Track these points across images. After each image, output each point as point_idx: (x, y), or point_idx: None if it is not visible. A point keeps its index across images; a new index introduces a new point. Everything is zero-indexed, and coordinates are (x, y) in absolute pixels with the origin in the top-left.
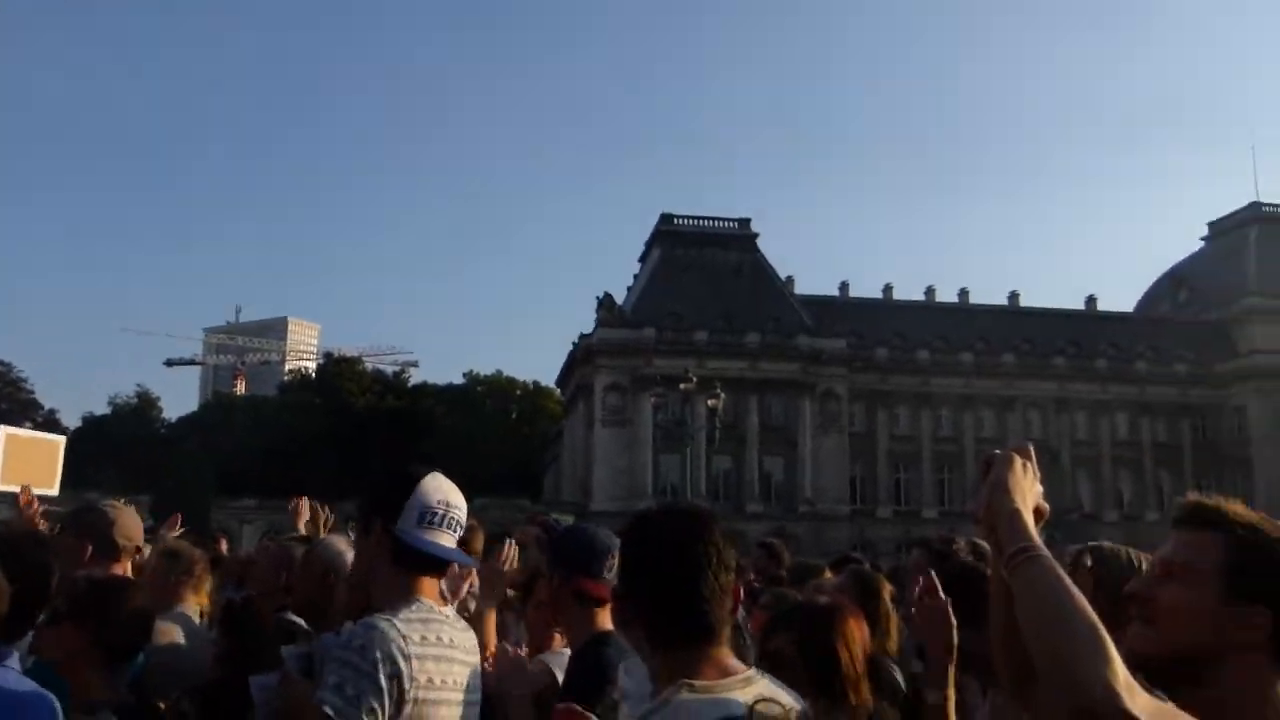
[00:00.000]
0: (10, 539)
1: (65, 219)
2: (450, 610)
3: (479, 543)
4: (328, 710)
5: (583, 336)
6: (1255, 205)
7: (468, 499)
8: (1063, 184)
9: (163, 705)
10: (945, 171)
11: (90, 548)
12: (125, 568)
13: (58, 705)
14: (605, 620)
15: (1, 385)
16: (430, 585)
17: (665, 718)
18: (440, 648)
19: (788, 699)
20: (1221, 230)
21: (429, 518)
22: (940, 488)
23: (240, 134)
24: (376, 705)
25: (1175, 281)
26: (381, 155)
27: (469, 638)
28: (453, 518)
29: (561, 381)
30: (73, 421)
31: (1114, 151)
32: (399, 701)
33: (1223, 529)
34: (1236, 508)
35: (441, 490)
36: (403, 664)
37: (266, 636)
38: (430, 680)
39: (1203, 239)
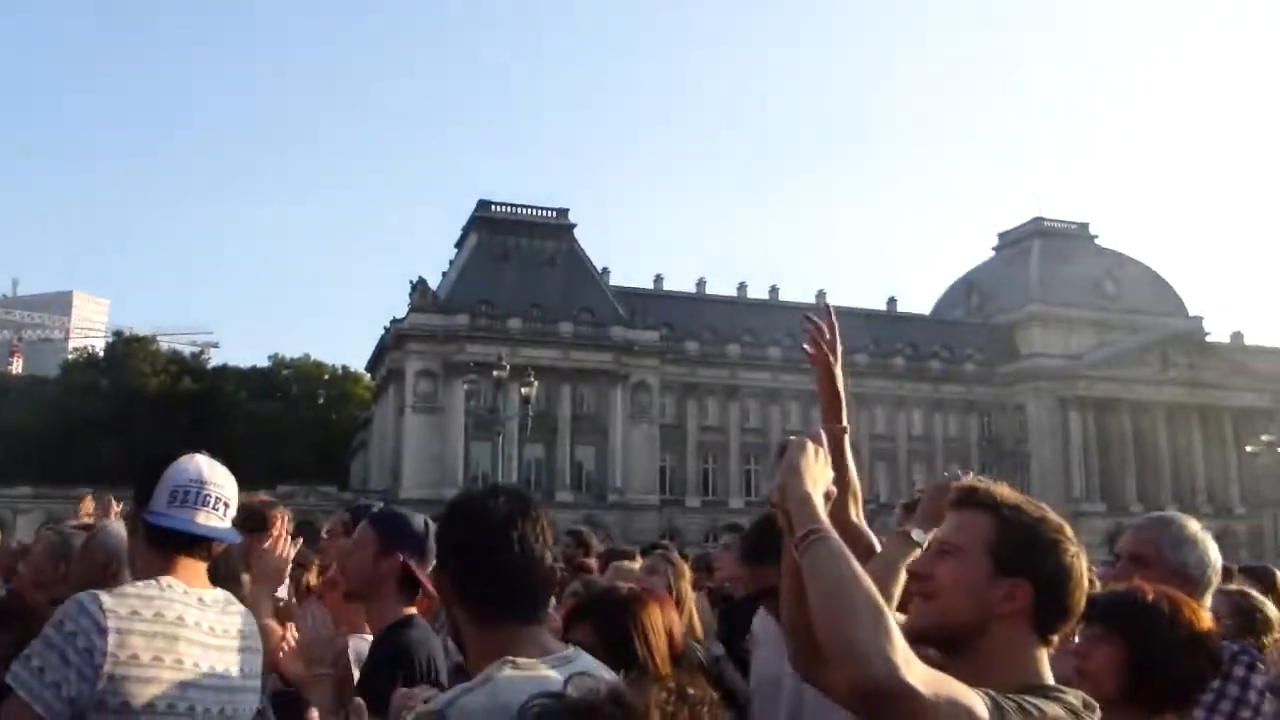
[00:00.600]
0: None
1: None
2: (211, 592)
3: (277, 522)
4: (9, 682)
5: (394, 321)
6: (1038, 220)
7: (271, 486)
8: (870, 191)
9: None
10: (758, 172)
11: None
12: None
13: None
14: (412, 604)
15: None
16: (187, 565)
17: (487, 694)
18: (162, 624)
19: (605, 675)
20: (1009, 241)
21: (180, 496)
22: (747, 478)
23: (14, 88)
24: (59, 678)
25: (968, 287)
26: (179, 117)
27: (231, 621)
28: (210, 495)
29: (371, 367)
30: None
31: (916, 163)
32: (92, 677)
33: (991, 510)
34: (1004, 490)
35: (196, 469)
36: (96, 637)
37: (39, 629)
38: (136, 656)
39: (993, 249)
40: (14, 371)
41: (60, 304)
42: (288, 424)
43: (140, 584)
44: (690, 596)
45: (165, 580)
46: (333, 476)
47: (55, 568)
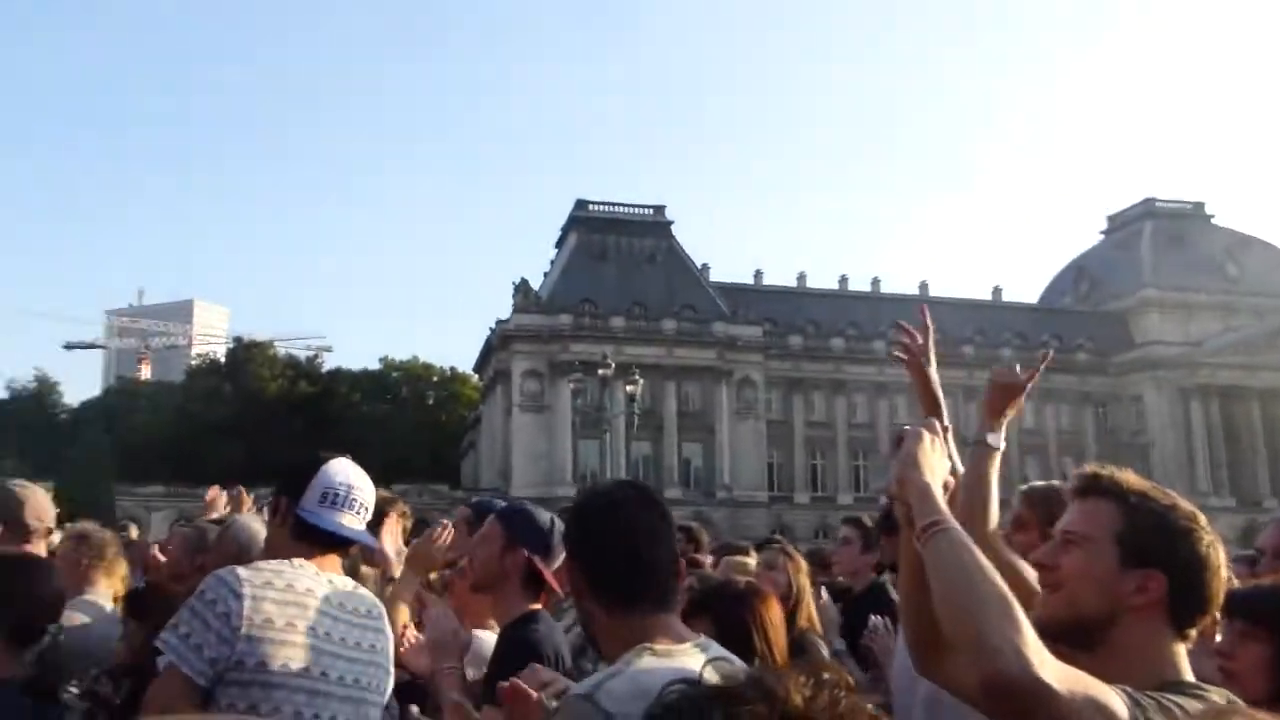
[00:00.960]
0: None
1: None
2: (341, 578)
3: (397, 525)
4: (158, 645)
5: (499, 322)
6: (1149, 201)
7: (385, 485)
8: (972, 177)
9: (75, 686)
10: (857, 163)
11: (1, 528)
12: (38, 549)
13: None
14: (539, 599)
15: None
16: (325, 561)
17: (629, 678)
18: (294, 594)
19: (740, 663)
20: (1119, 224)
21: (330, 498)
22: (855, 474)
23: (144, 110)
24: (201, 641)
25: (1076, 273)
26: (293, 135)
27: (359, 602)
28: (355, 500)
29: (478, 367)
30: None
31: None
32: (230, 639)
33: (1117, 497)
34: (1129, 477)
35: (345, 473)
36: (233, 602)
37: None
38: (270, 621)
39: (1102, 232)
40: (143, 378)
41: (183, 312)
42: (399, 425)
43: (274, 561)
44: (808, 591)
45: (297, 561)
46: (444, 476)
47: (192, 560)
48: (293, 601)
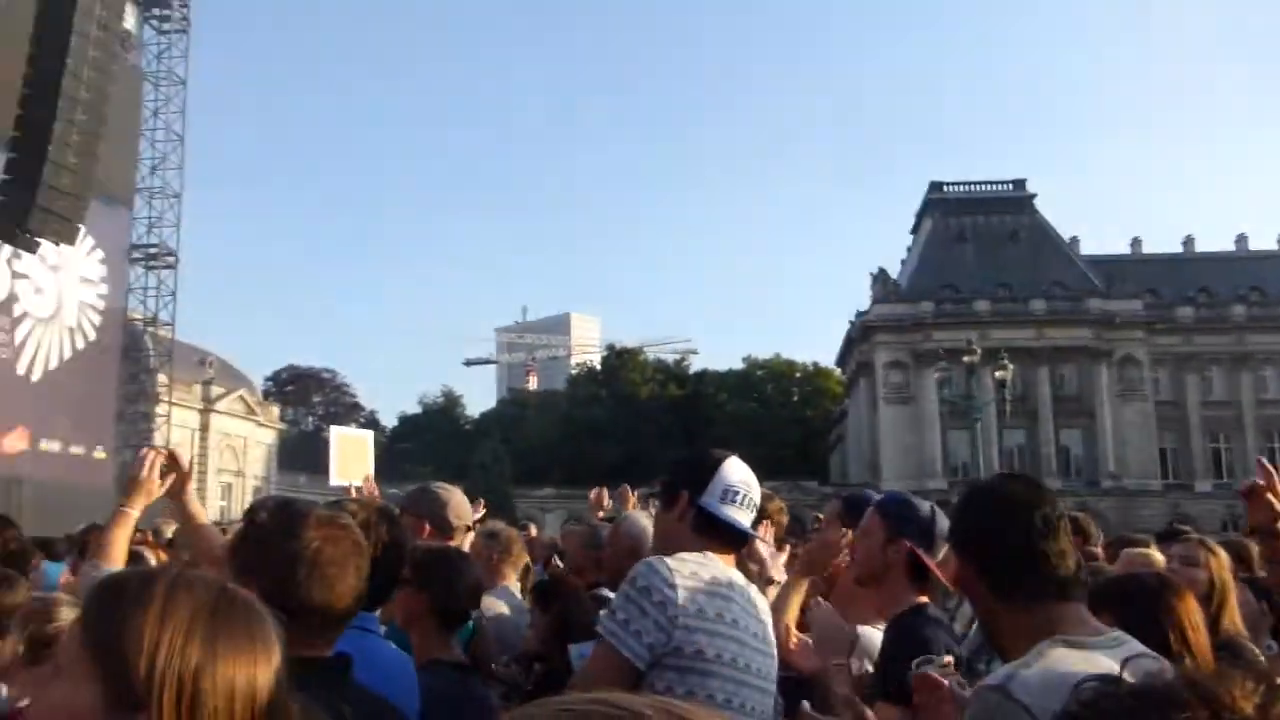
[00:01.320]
0: (383, 514)
1: (381, 240)
2: (738, 574)
3: (774, 524)
4: (599, 630)
5: (859, 314)
6: None
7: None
8: None
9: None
10: (1237, 110)
11: (428, 526)
12: (458, 542)
13: (412, 665)
14: (924, 591)
15: (330, 391)
16: (721, 555)
17: (1042, 669)
18: (717, 586)
19: (1165, 662)
20: None
21: (731, 495)
22: (1272, 456)
23: (518, 150)
24: (640, 628)
25: None
26: (644, 152)
27: (753, 593)
28: (749, 498)
29: (841, 361)
30: (389, 421)
31: None
32: (667, 627)
33: None
34: None
35: (741, 471)
36: (668, 591)
37: (582, 608)
38: (702, 611)
39: None
40: (530, 388)
41: (561, 325)
42: (766, 422)
43: (690, 554)
44: (1232, 588)
45: (709, 554)
46: (812, 472)
47: (589, 556)
48: (717, 593)
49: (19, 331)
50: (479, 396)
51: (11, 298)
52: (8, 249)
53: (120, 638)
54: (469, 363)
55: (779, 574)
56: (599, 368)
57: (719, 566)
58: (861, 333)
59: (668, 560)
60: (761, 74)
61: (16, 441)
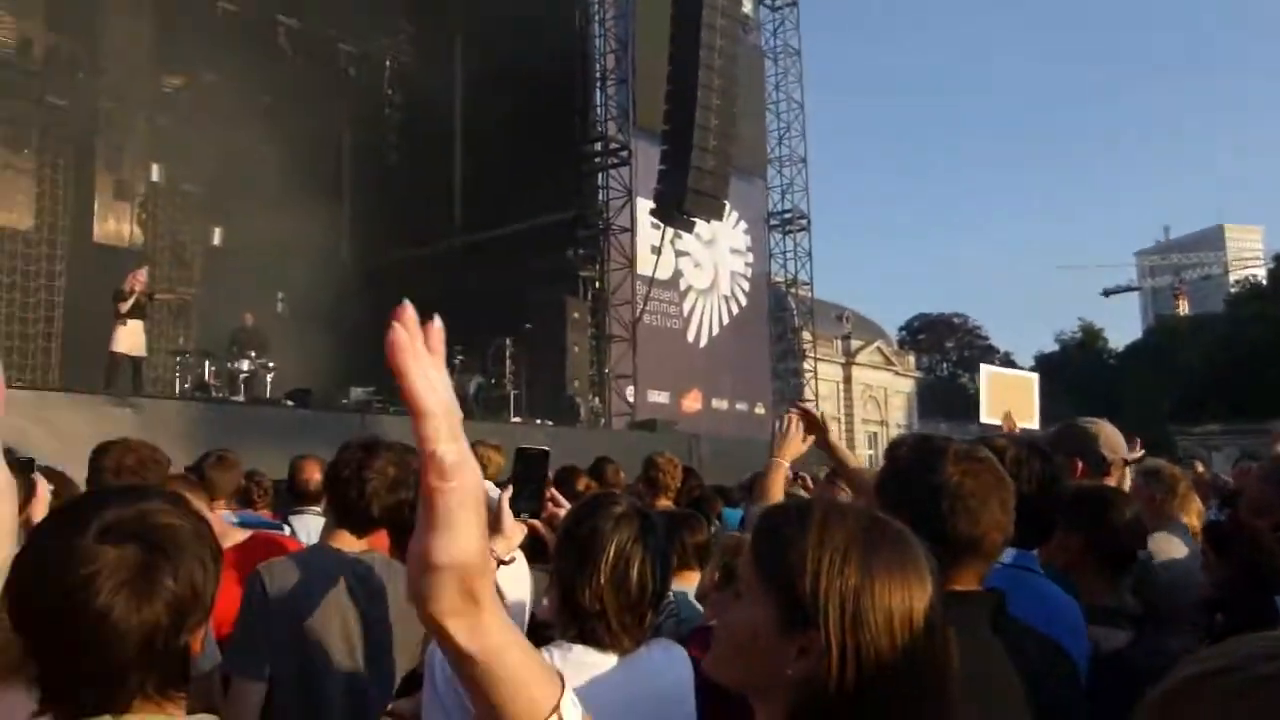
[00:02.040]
0: (1033, 450)
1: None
2: None
3: None
4: None
5: None
6: None
7: None
8: None
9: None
10: None
11: (1080, 463)
12: (1115, 480)
13: (1077, 609)
14: None
15: (963, 335)
16: None
17: None
18: None
19: None
20: None
21: None
22: None
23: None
24: None
25: None
26: None
27: None
28: None
29: None
30: (1025, 361)
31: None
32: None
33: None
34: None
35: None
36: None
37: (1267, 552)
38: None
39: None
40: (1180, 313)
41: (1213, 240)
42: None
43: None
44: None
45: None
46: None
47: (1272, 494)
48: None
49: (685, 304)
50: (1123, 327)
51: (677, 274)
52: (670, 231)
53: (784, 561)
54: (1107, 292)
55: None
56: (1264, 282)
57: None
58: None
59: None
60: None
61: (693, 403)
